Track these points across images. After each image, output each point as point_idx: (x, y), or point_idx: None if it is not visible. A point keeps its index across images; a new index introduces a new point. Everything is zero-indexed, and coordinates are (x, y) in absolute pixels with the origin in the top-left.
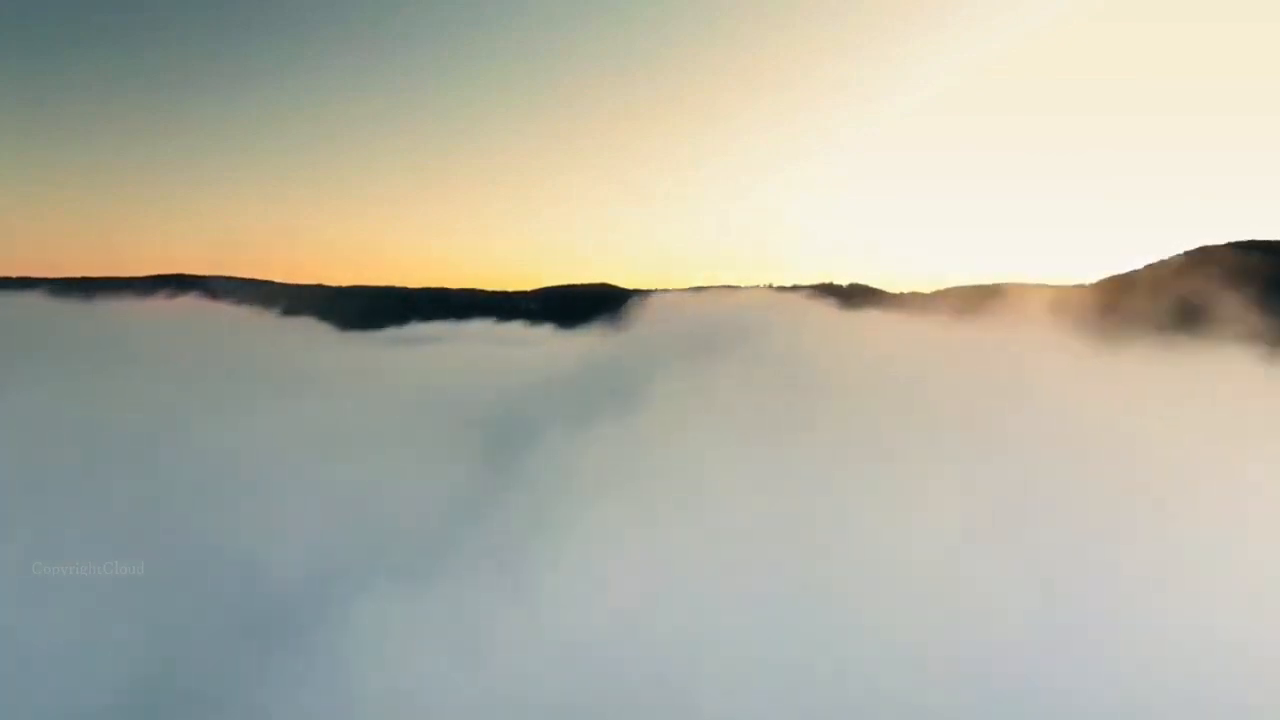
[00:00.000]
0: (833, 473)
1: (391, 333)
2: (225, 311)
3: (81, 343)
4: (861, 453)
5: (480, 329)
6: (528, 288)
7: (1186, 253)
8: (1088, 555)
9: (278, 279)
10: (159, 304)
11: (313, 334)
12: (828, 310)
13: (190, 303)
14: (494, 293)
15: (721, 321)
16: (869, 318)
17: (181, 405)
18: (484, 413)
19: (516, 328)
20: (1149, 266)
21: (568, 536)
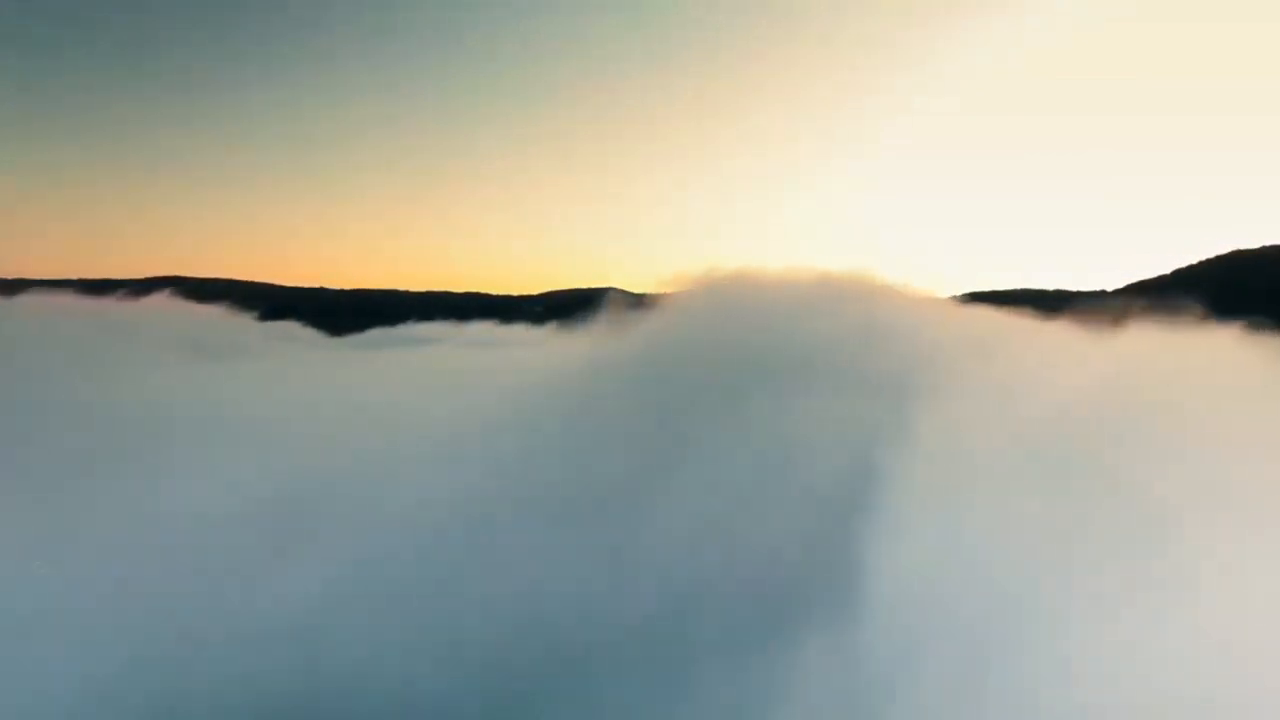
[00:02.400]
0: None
1: (375, 335)
2: (198, 313)
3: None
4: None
5: (480, 331)
6: (532, 291)
7: (1218, 256)
8: None
9: (269, 280)
10: (116, 304)
11: (285, 339)
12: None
13: (158, 303)
14: (497, 296)
15: (757, 326)
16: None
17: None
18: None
19: (518, 331)
20: (1176, 271)
21: None
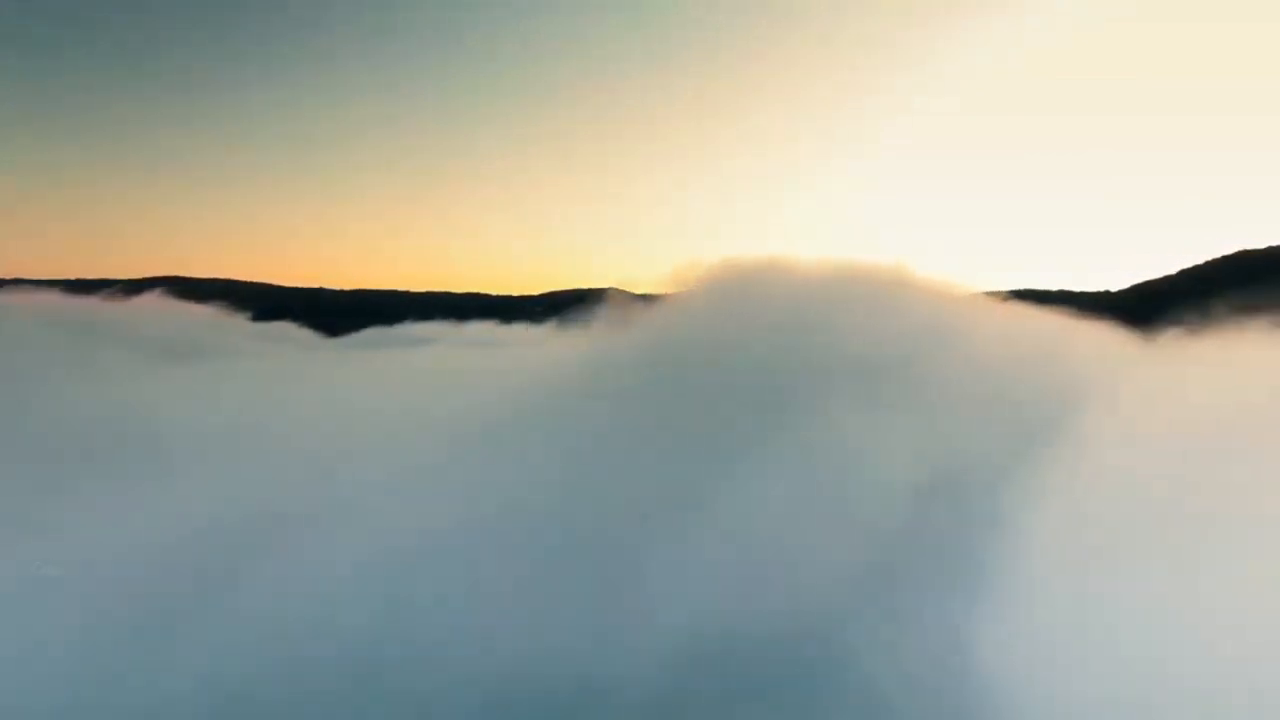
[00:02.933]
0: None
1: (372, 335)
2: (190, 313)
3: None
4: None
5: (479, 331)
6: (533, 291)
7: (1224, 256)
8: None
9: (267, 280)
10: (102, 304)
11: (276, 340)
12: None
13: (148, 302)
14: (497, 296)
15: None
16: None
17: None
18: None
19: (518, 331)
20: (1182, 271)
21: None
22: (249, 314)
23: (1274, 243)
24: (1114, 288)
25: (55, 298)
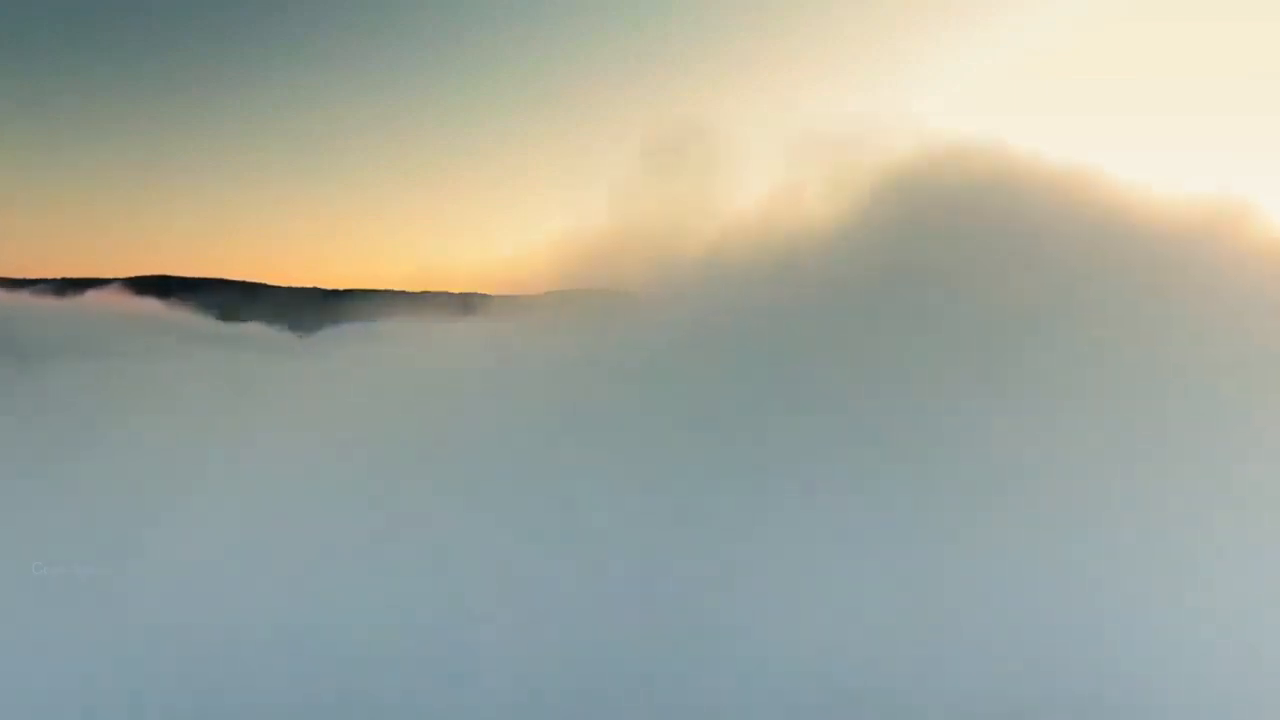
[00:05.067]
0: None
1: (349, 331)
2: (140, 311)
3: None
4: None
5: (471, 329)
6: (532, 291)
7: None
8: None
9: (253, 279)
10: (32, 300)
11: (220, 343)
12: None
13: (91, 300)
14: (493, 295)
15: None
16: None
17: None
18: None
19: (512, 328)
20: None
21: None
22: (216, 313)
23: None
24: None
25: None
